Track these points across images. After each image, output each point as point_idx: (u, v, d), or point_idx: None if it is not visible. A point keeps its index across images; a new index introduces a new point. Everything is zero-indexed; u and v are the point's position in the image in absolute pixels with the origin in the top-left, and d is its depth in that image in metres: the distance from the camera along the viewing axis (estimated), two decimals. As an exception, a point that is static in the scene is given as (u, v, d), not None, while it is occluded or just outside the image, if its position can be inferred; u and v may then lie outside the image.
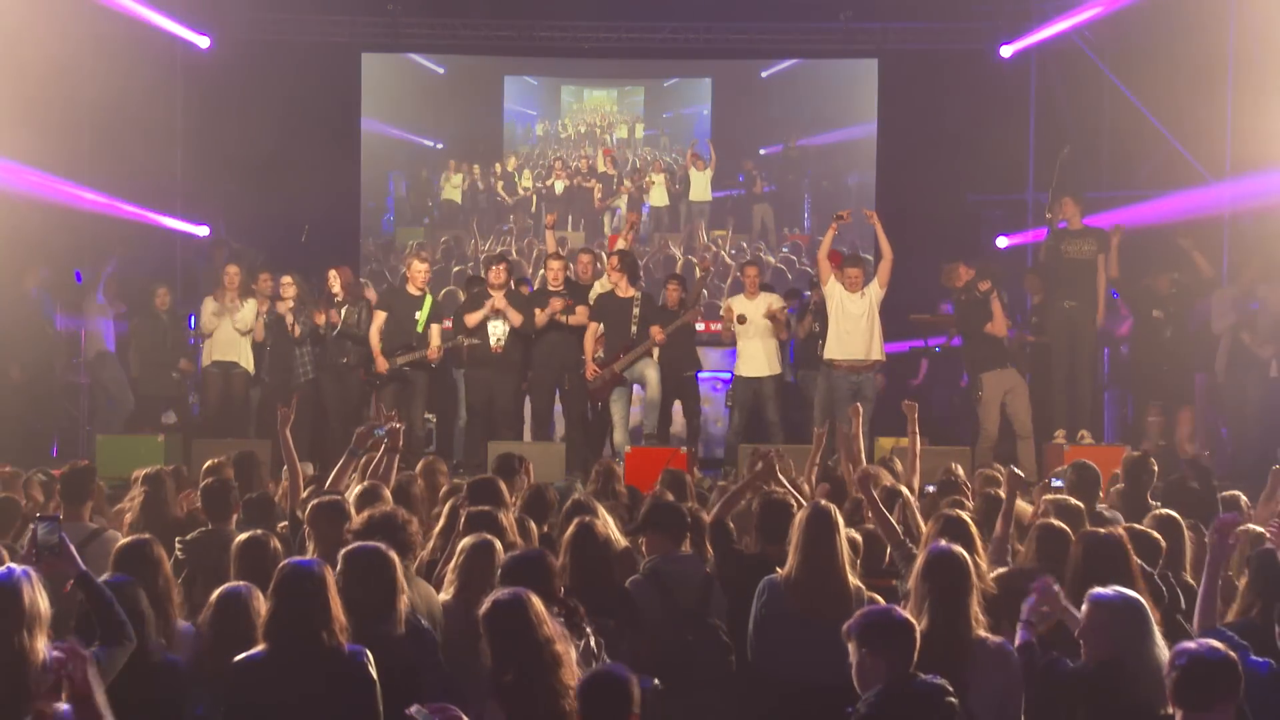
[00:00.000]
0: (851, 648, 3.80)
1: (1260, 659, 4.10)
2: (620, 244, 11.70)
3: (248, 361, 11.18)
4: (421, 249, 13.19)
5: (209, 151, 13.69)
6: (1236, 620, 4.67)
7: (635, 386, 10.76)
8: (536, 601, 3.87)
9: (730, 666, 5.06)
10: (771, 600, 4.80)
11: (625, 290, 10.62)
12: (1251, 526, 5.74)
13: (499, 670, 3.78)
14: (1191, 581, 5.37)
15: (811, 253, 14.03)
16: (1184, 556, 5.64)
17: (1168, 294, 11.09)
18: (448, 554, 5.13)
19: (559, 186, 15.53)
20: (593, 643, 4.37)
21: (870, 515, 5.55)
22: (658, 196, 15.52)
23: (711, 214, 15.47)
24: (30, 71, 10.60)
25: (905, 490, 6.46)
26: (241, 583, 4.48)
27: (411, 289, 10.80)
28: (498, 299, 10.60)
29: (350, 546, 4.42)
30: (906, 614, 3.92)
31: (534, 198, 15.50)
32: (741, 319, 10.80)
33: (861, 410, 7.97)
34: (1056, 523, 5.37)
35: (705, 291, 12.80)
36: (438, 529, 5.61)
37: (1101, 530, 5.01)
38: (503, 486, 6.13)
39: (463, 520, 5.29)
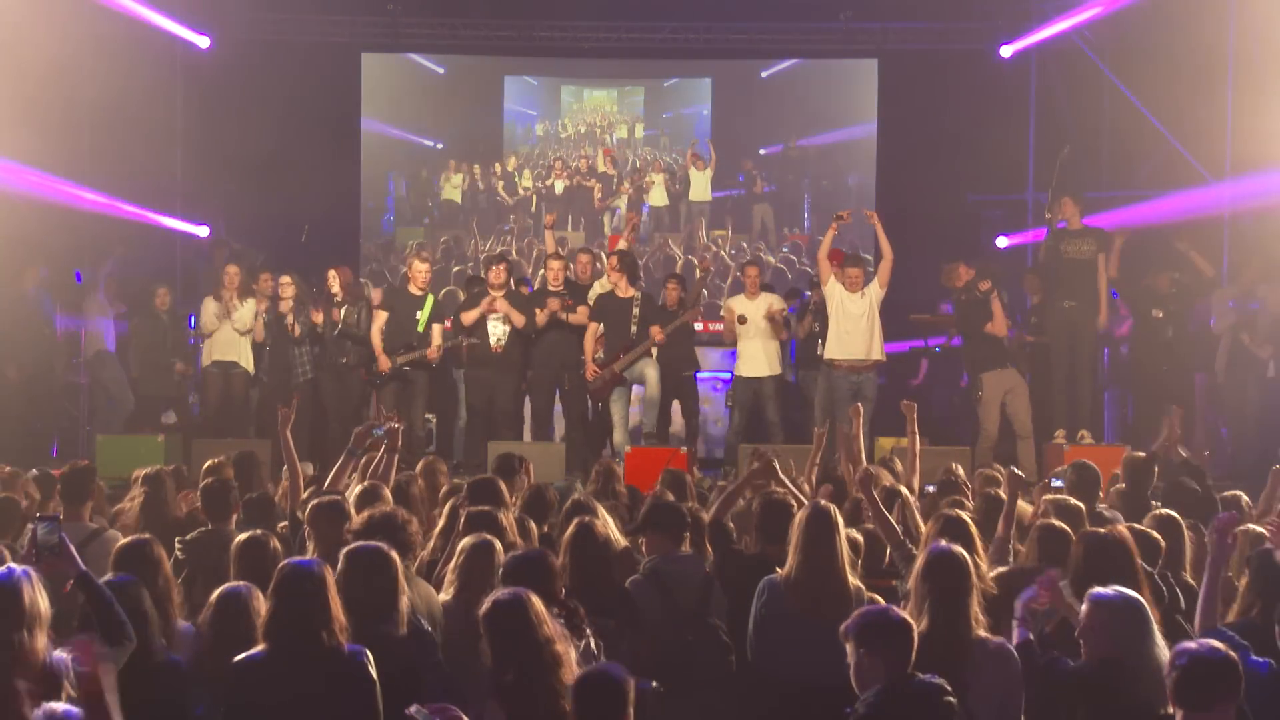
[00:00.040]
0: (849, 648, 3.79)
1: (1260, 659, 4.11)
2: (620, 244, 11.71)
3: (247, 361, 11.19)
4: (421, 249, 13.18)
5: (209, 151, 13.69)
6: (1236, 620, 4.67)
7: (635, 386, 10.77)
8: (537, 601, 3.87)
9: (730, 667, 5.05)
10: (771, 600, 4.80)
11: (625, 290, 10.62)
12: (1251, 526, 5.74)
13: (499, 670, 3.78)
14: (1191, 581, 5.38)
15: (811, 253, 14.03)
16: (1184, 556, 5.64)
17: (1168, 294, 11.08)
18: (448, 554, 5.12)
19: (559, 186, 15.53)
20: (593, 643, 4.36)
21: (870, 515, 5.55)
22: (658, 196, 15.51)
23: (711, 214, 15.47)
24: (30, 71, 10.60)
25: (905, 490, 6.46)
26: (241, 583, 4.48)
27: (413, 289, 10.81)
28: (497, 300, 10.60)
29: (352, 546, 4.42)
30: (904, 614, 3.91)
31: (534, 198, 15.50)
32: (742, 319, 10.81)
33: (862, 410, 7.97)
34: (1057, 523, 5.37)
35: (705, 291, 12.80)
36: (438, 529, 5.61)
37: (1103, 530, 5.01)
38: (503, 486, 6.13)
39: (463, 520, 5.29)
